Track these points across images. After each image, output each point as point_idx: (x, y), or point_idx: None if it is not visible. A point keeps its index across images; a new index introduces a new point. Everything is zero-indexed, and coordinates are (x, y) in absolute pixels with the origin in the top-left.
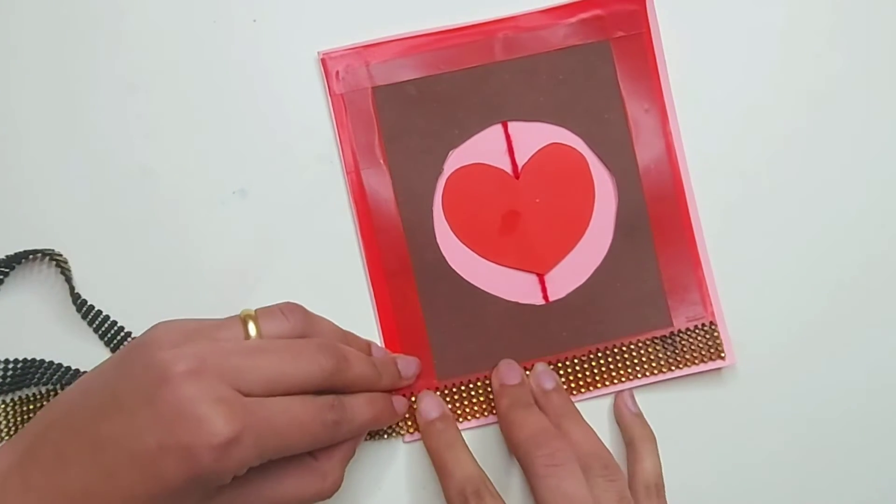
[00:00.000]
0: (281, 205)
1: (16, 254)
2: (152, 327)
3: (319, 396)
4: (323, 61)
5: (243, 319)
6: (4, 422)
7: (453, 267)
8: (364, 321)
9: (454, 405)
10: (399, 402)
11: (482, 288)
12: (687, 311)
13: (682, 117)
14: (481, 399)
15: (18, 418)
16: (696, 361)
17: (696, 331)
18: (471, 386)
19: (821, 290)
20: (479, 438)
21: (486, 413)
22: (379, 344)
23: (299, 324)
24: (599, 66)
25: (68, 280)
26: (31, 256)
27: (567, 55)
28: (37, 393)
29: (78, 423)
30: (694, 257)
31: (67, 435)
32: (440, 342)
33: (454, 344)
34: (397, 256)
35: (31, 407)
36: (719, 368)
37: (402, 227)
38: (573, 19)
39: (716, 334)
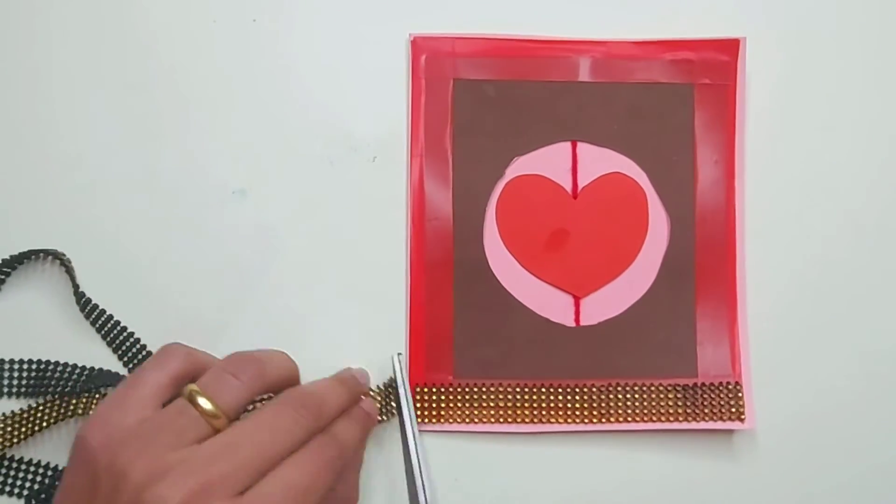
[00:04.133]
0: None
1: (19, 254)
2: (93, 444)
3: (308, 445)
4: (413, 42)
5: (190, 397)
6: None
7: (493, 270)
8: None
9: (465, 405)
10: (366, 404)
11: (517, 297)
12: (714, 366)
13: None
14: (491, 405)
15: (20, 431)
16: (714, 418)
17: (720, 387)
18: (484, 390)
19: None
20: (487, 443)
21: (492, 420)
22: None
23: (254, 382)
24: (679, 107)
25: (72, 279)
26: (33, 256)
27: (649, 90)
28: (43, 403)
29: None
30: (732, 314)
31: None
32: (463, 340)
33: (477, 345)
34: (441, 248)
35: (34, 418)
36: (735, 430)
37: (452, 219)
38: (663, 57)
39: (739, 395)
